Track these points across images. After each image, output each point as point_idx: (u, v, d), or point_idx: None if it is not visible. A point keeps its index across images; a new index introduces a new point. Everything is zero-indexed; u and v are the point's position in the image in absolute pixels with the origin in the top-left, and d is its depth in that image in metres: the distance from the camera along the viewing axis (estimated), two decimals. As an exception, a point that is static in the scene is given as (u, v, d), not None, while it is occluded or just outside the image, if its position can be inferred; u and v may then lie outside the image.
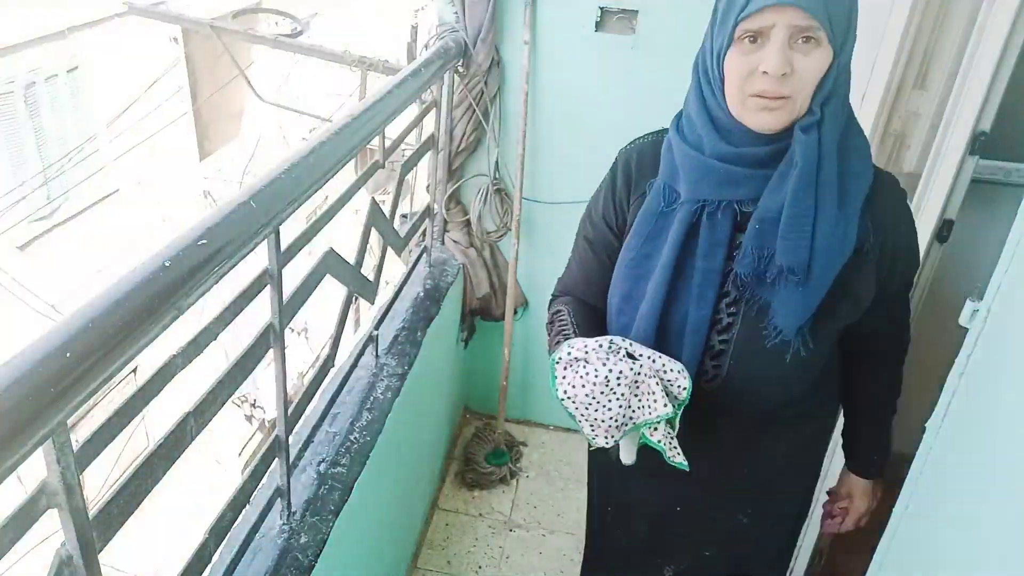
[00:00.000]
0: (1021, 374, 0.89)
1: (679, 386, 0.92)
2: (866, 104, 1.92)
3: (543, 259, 2.39)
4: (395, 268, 2.20)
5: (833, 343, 1.08)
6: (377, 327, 1.81)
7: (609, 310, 1.08)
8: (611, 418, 0.89)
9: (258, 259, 0.99)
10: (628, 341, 0.94)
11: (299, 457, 1.37)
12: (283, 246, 1.04)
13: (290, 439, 1.20)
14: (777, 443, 1.14)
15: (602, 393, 0.88)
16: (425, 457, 2.18)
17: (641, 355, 0.93)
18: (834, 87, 0.91)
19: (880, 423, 1.20)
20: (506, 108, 2.18)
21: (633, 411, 0.91)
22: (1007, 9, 1.28)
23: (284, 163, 1.03)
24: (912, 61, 1.79)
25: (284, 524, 1.23)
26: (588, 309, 1.13)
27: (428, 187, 2.27)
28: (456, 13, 2.02)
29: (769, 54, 0.87)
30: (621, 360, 0.89)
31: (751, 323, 0.99)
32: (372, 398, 1.60)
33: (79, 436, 0.71)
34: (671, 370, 0.92)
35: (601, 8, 2.05)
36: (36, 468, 0.64)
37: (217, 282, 0.83)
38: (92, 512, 0.72)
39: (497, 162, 2.26)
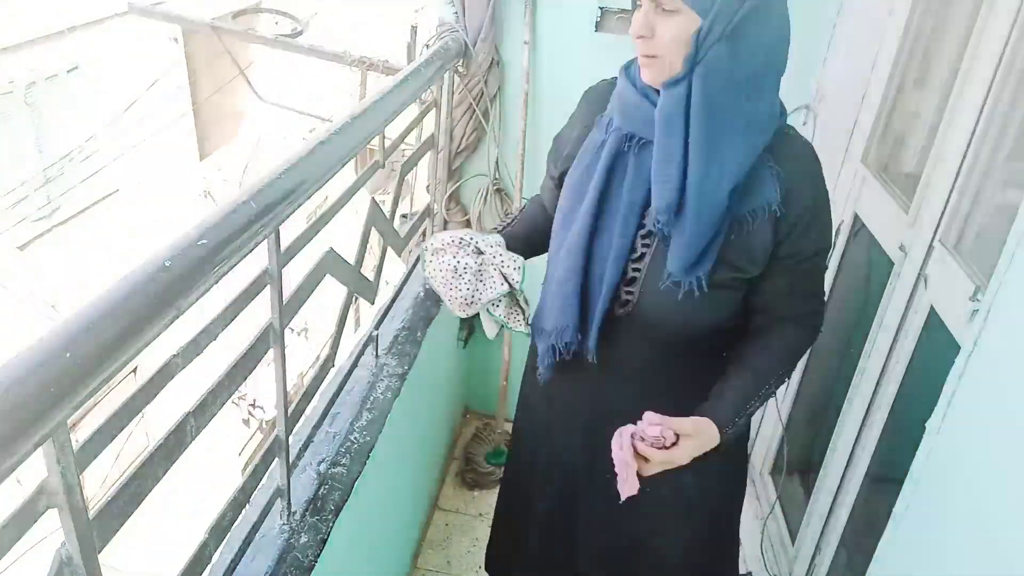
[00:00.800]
0: (1020, 374, 0.89)
1: (514, 279, 1.16)
2: (866, 104, 1.92)
3: (542, 258, 2.39)
4: (395, 268, 2.20)
5: (735, 297, 1.14)
6: (377, 327, 1.81)
7: (554, 225, 1.23)
8: (461, 297, 1.13)
9: (258, 259, 0.99)
10: (477, 238, 1.15)
11: (299, 457, 1.37)
12: (283, 246, 1.04)
13: (290, 439, 1.20)
14: (688, 384, 1.17)
15: (452, 278, 1.12)
16: (425, 457, 2.18)
17: (486, 250, 1.15)
18: (707, 51, 0.99)
19: (746, 388, 1.14)
20: (506, 108, 2.18)
21: (480, 292, 1.14)
22: (1007, 9, 1.28)
23: (284, 163, 1.03)
24: (912, 61, 1.79)
25: (284, 524, 1.23)
26: (541, 214, 1.36)
27: (428, 187, 2.27)
28: (456, 13, 2.02)
29: (634, 18, 1.01)
30: (468, 255, 1.13)
31: (659, 257, 1.10)
32: (372, 398, 1.60)
33: (79, 436, 0.71)
34: (508, 264, 1.16)
35: (601, 8, 2.05)
36: (36, 468, 0.64)
37: (217, 282, 0.83)
38: (92, 512, 0.72)
39: (497, 162, 2.26)
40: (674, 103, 1.01)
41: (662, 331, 1.15)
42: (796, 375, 2.24)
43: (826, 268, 1.21)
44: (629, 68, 1.13)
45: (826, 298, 1.23)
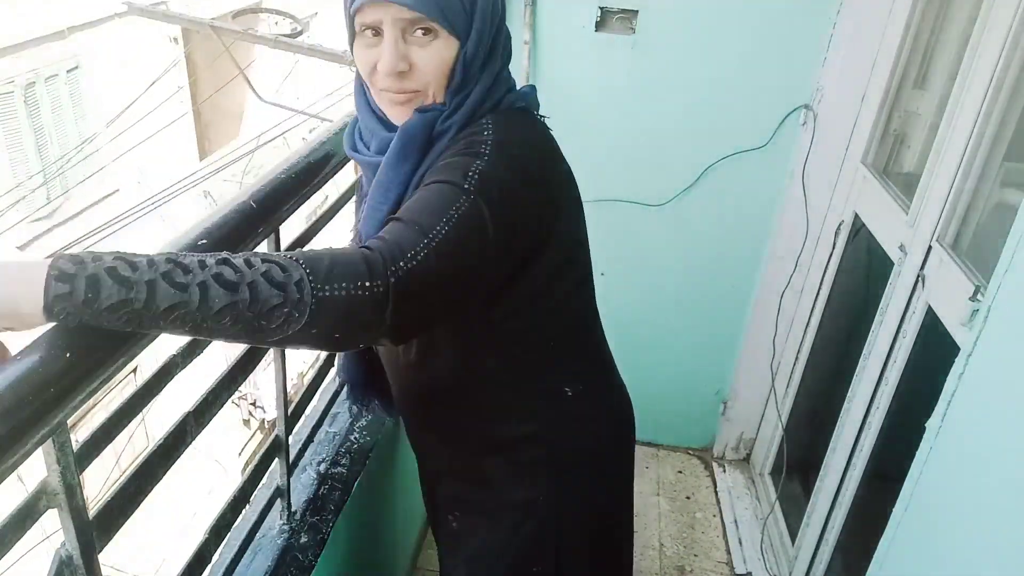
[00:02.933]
0: (1020, 374, 0.90)
1: None
2: (866, 104, 1.92)
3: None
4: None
5: None
6: (377, 327, 1.81)
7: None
8: None
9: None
10: None
11: (299, 457, 1.37)
12: (283, 246, 1.04)
13: (290, 439, 1.20)
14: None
15: None
16: (425, 457, 2.18)
17: None
18: (465, 78, 0.87)
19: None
20: (506, 108, 2.18)
21: None
22: (1007, 9, 1.28)
23: (284, 163, 1.03)
24: (912, 61, 1.79)
25: (284, 524, 1.23)
26: None
27: (428, 187, 2.27)
28: (456, 13, 2.02)
29: (383, 51, 0.84)
30: None
31: None
32: (372, 398, 1.60)
33: (79, 436, 0.71)
34: None
35: (601, 8, 2.05)
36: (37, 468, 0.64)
37: (217, 282, 0.83)
38: (92, 512, 0.72)
39: (497, 162, 2.26)
40: (423, 125, 0.87)
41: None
42: (796, 375, 2.24)
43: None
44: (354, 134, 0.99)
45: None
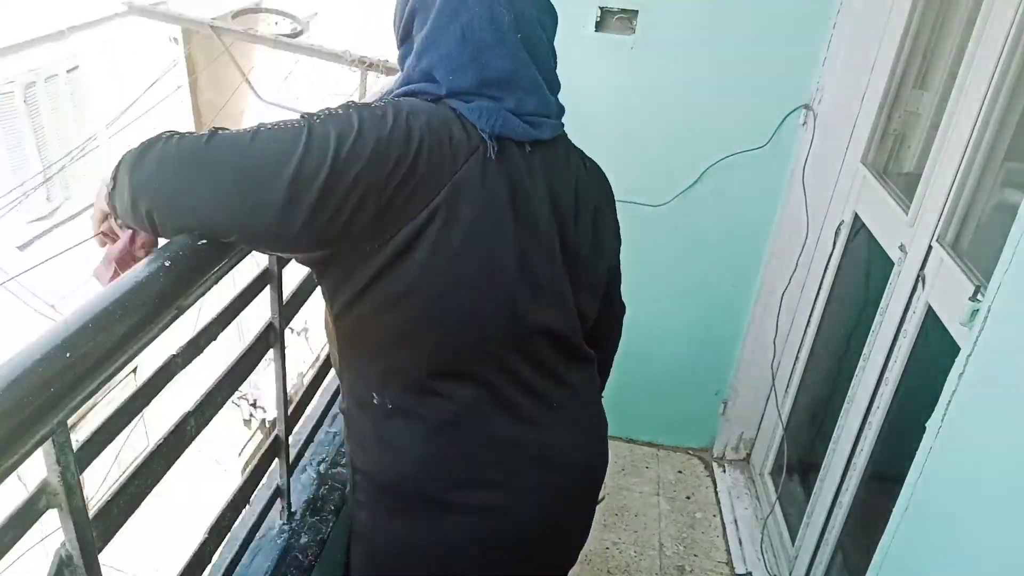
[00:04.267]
0: (1020, 374, 0.89)
1: None
2: (866, 104, 1.92)
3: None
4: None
5: None
6: (377, 327, 1.81)
7: None
8: None
9: (258, 259, 0.99)
10: None
11: (299, 457, 1.37)
12: (283, 246, 1.04)
13: (290, 439, 1.20)
14: None
15: None
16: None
17: None
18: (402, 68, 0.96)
19: None
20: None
21: None
22: (1007, 9, 1.28)
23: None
24: (912, 61, 1.79)
25: (284, 524, 1.23)
26: None
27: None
28: (456, 13, 2.02)
29: None
30: None
31: None
32: (372, 398, 1.60)
33: (79, 436, 0.71)
34: None
35: (601, 8, 2.05)
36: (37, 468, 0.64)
37: (217, 282, 0.83)
38: (92, 512, 0.72)
39: (497, 162, 2.26)
40: None
41: None
42: (796, 375, 2.24)
43: None
44: None
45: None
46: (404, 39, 0.95)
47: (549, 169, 0.94)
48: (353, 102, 0.86)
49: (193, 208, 0.79)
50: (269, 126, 0.81)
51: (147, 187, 0.80)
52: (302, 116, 0.81)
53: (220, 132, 0.81)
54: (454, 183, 0.83)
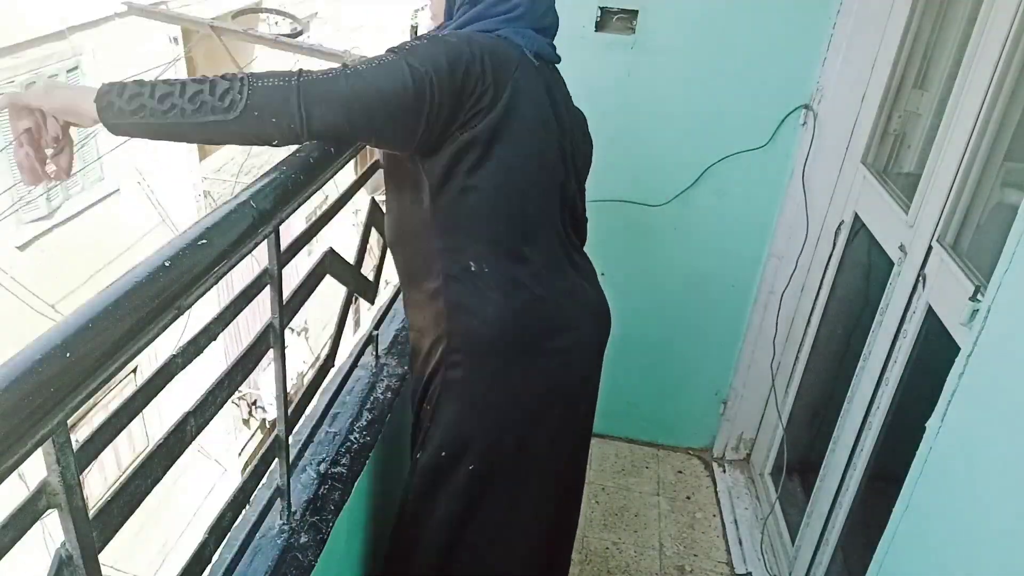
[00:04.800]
0: (1020, 374, 0.89)
1: None
2: (866, 104, 1.92)
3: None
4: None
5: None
6: (377, 327, 1.81)
7: None
8: None
9: (258, 259, 0.99)
10: None
11: (299, 457, 1.37)
12: (283, 246, 1.04)
13: (290, 439, 1.20)
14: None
15: None
16: (425, 457, 2.18)
17: None
18: (449, 13, 1.24)
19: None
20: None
21: None
22: (1007, 9, 1.28)
23: (284, 163, 1.03)
24: (912, 61, 1.79)
25: (284, 524, 1.23)
26: None
27: (428, 187, 2.26)
28: (456, 13, 2.02)
29: None
30: None
31: None
32: (372, 398, 1.59)
33: (79, 436, 0.71)
34: None
35: (601, 8, 2.05)
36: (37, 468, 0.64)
37: (217, 282, 0.83)
38: (92, 512, 0.72)
39: (497, 162, 2.26)
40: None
41: None
42: (796, 375, 2.24)
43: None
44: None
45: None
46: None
47: (559, 83, 1.25)
48: (423, 36, 1.11)
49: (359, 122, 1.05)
50: (373, 63, 1.04)
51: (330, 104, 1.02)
52: (390, 51, 1.06)
53: (344, 68, 1.03)
54: (514, 82, 1.11)
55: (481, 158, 1.11)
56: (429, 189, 1.15)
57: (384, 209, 1.35)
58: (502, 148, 1.12)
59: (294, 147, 1.06)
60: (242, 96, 0.97)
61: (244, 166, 7.48)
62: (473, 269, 1.18)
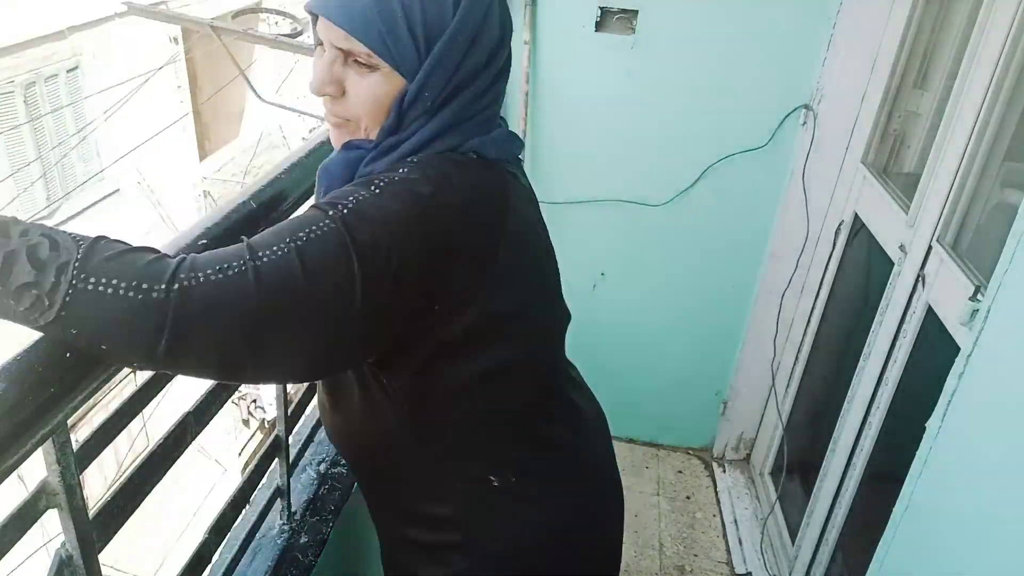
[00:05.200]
0: (1020, 374, 0.90)
1: None
2: (866, 104, 1.92)
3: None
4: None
5: None
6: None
7: None
8: None
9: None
10: None
11: (299, 457, 1.37)
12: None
13: (290, 439, 1.20)
14: None
15: None
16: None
17: None
18: (399, 121, 0.75)
19: None
20: (506, 108, 2.18)
21: None
22: (1007, 9, 1.28)
23: (284, 163, 1.03)
24: (912, 61, 1.79)
25: (284, 524, 1.23)
26: None
27: (428, 187, 2.27)
28: (456, 13, 2.02)
29: (315, 68, 0.75)
30: None
31: None
32: (372, 398, 1.60)
33: (79, 436, 0.71)
34: None
35: (601, 8, 2.05)
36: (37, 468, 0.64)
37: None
38: (92, 512, 0.72)
39: (497, 162, 2.26)
40: (344, 166, 0.78)
41: None
42: (796, 375, 2.24)
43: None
44: None
45: None
46: (453, 94, 0.76)
47: (526, 177, 0.92)
48: (368, 180, 0.72)
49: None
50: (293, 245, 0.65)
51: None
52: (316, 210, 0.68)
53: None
54: (507, 235, 0.77)
55: (474, 340, 0.78)
56: (409, 393, 0.81)
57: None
58: (504, 316, 0.79)
59: (293, 148, 1.06)
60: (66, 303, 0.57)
61: (247, 167, 7.48)
62: (496, 482, 0.87)
